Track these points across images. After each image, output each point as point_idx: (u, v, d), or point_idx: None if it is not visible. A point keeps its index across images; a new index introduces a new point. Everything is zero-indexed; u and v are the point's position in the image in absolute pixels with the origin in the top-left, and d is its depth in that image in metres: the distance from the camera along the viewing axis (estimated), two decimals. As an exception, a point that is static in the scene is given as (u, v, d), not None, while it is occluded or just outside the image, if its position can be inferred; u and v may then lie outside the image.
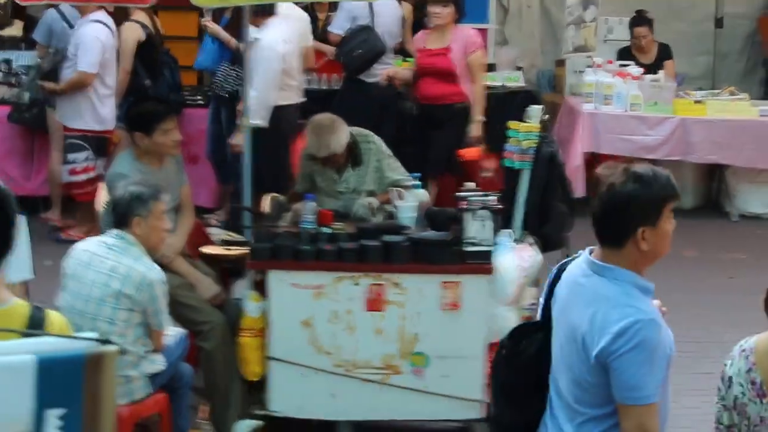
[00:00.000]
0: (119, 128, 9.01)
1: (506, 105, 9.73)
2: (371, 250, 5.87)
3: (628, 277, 3.50)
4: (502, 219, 6.03)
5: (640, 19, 11.35)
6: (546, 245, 6.25)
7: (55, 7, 9.76)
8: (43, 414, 2.58)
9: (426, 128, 9.14)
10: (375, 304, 5.84)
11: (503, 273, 5.83)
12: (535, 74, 12.38)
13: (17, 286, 5.38)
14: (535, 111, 6.29)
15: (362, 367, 5.87)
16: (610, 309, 3.44)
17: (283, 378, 5.90)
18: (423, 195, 6.57)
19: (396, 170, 6.72)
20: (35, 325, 2.96)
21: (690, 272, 8.69)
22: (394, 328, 5.84)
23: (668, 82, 10.96)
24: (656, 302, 3.59)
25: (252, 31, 7.42)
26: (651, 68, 11.11)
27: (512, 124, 6.28)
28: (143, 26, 9.61)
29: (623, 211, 3.48)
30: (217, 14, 9.67)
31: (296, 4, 8.81)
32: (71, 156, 9.38)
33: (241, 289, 6.10)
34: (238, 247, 6.33)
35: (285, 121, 8.44)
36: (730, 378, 3.50)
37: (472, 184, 6.25)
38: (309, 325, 5.85)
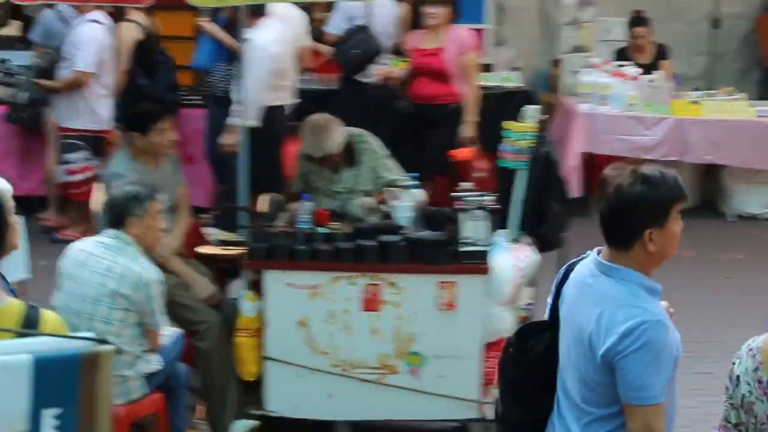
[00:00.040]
0: (116, 128, 9.01)
1: (503, 105, 9.72)
2: (367, 250, 5.87)
3: (635, 277, 3.51)
4: (498, 219, 6.03)
5: (638, 20, 11.34)
6: (543, 246, 6.25)
7: (52, 6, 9.76)
8: (40, 413, 2.59)
9: (420, 128, 9.12)
10: (371, 303, 5.84)
11: (499, 273, 5.83)
12: (532, 74, 12.36)
13: (15, 285, 5.37)
14: (531, 111, 6.29)
15: (358, 367, 5.87)
16: (617, 309, 3.45)
17: (280, 378, 5.90)
18: (419, 195, 6.57)
19: (392, 170, 6.72)
20: (30, 324, 2.97)
21: (687, 272, 8.68)
22: (390, 328, 5.84)
23: (665, 83, 10.96)
24: (664, 303, 3.59)
25: (245, 32, 7.42)
26: (648, 68, 11.09)
27: (507, 124, 6.27)
28: (140, 26, 9.61)
29: (631, 212, 3.49)
30: (214, 14, 9.65)
31: (294, 3, 8.80)
32: (68, 156, 9.38)
33: (237, 288, 6.10)
34: (234, 247, 6.33)
35: (277, 121, 8.44)
36: (738, 377, 3.51)
37: (467, 184, 6.25)
38: (305, 325, 5.85)
